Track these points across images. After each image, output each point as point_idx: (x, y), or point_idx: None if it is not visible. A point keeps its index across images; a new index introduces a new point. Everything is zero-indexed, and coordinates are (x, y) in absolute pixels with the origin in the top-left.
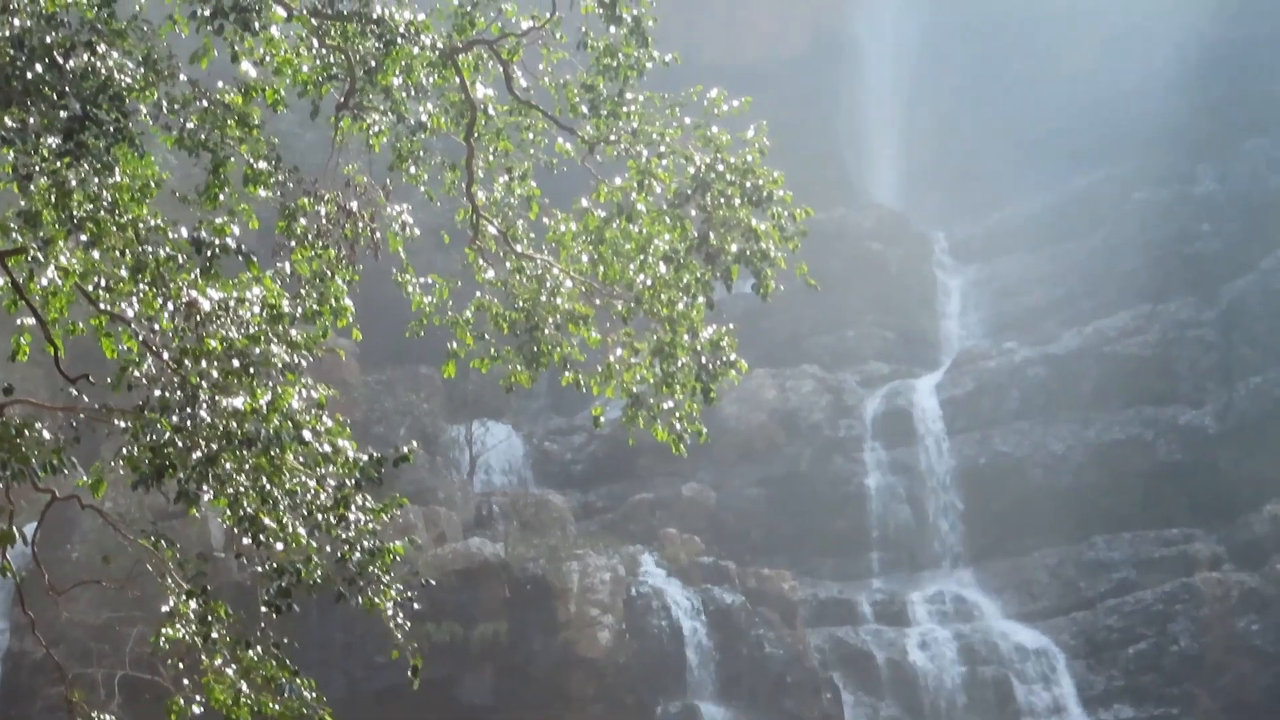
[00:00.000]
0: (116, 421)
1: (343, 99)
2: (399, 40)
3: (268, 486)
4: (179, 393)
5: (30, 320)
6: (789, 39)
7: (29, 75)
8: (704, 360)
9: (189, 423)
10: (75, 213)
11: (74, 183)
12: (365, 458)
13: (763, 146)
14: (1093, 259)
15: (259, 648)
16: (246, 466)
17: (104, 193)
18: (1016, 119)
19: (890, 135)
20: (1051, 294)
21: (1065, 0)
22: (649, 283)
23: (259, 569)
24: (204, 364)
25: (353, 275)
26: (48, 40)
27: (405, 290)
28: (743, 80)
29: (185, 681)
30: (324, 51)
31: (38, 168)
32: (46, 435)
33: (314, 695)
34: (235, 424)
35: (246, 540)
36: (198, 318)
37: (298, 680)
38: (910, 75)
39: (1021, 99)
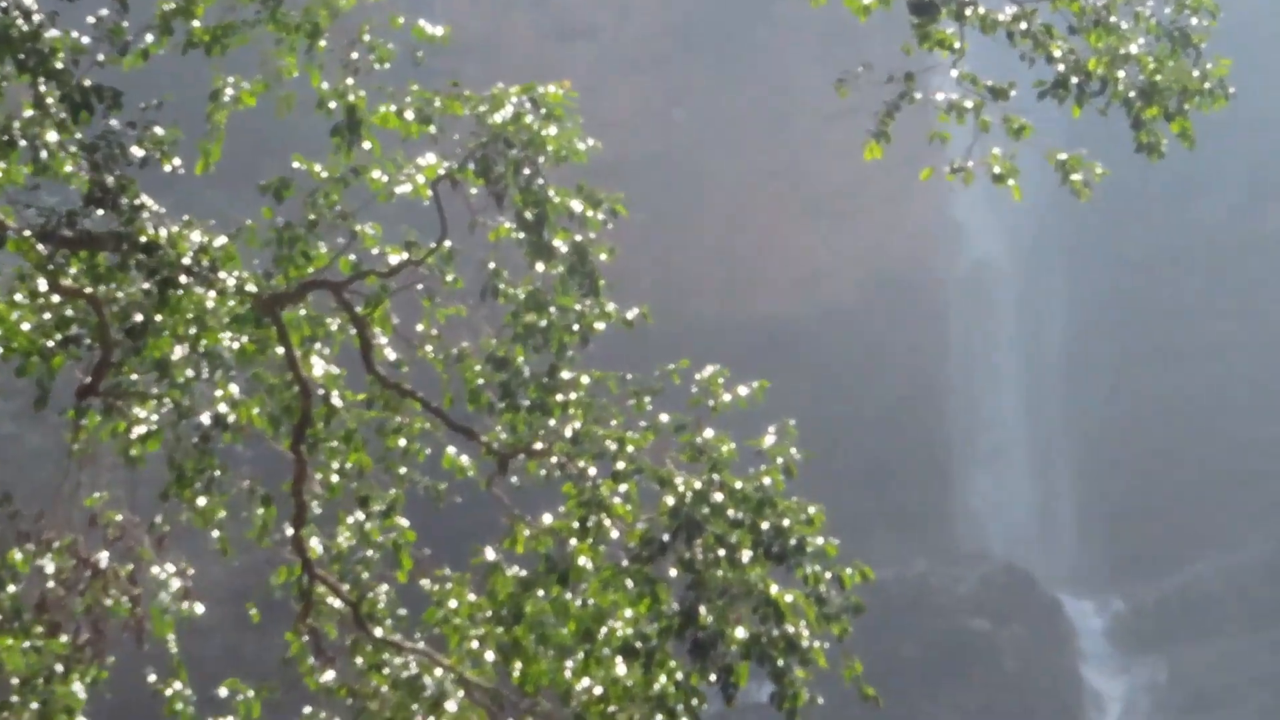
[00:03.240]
0: None
1: (89, 379)
2: (184, 279)
3: None
4: None
5: None
6: (829, 281)
7: None
8: None
9: None
10: None
11: None
12: None
13: (790, 462)
14: None
15: None
16: None
17: None
18: (1213, 417)
19: (1002, 441)
20: (1276, 703)
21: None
22: (598, 690)
23: None
24: None
25: (97, 672)
26: None
27: (171, 711)
28: (754, 343)
29: None
30: (58, 300)
31: None
32: None
33: None
34: None
35: None
36: None
37: None
38: (1035, 342)
39: (1223, 383)
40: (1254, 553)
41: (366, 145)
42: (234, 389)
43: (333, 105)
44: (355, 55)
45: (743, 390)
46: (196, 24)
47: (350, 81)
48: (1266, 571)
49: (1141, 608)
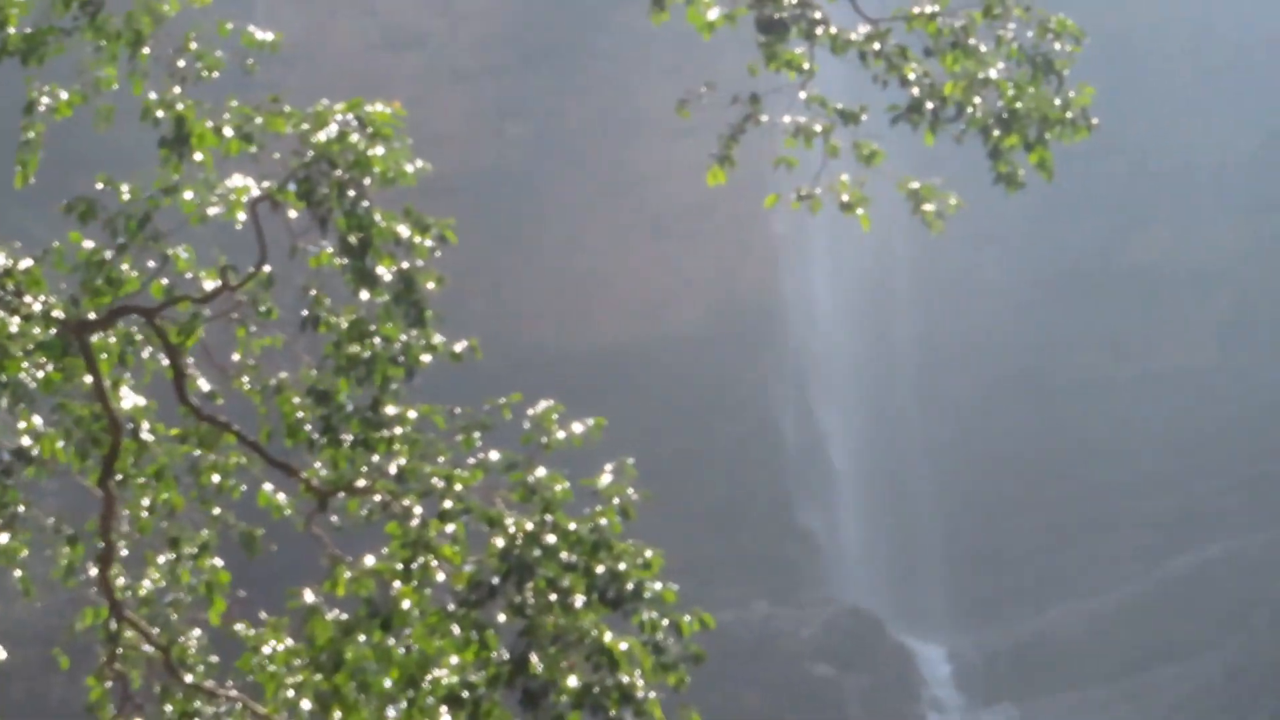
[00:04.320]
0: None
1: None
2: None
3: None
4: None
5: None
6: (675, 307)
7: None
8: None
9: None
10: None
11: None
12: None
13: (627, 503)
14: (1206, 695)
15: None
16: None
17: None
18: (1075, 458)
19: (853, 478)
20: None
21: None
22: None
23: None
24: None
25: None
26: None
27: None
28: (593, 373)
29: None
30: None
31: None
32: None
33: None
34: None
35: None
36: None
37: None
38: (890, 371)
39: (1085, 422)
40: (1113, 599)
41: (199, 158)
42: (37, 420)
43: (160, 116)
44: (182, 64)
45: (578, 427)
46: (11, 31)
47: (178, 90)
48: (1125, 620)
49: (995, 654)
